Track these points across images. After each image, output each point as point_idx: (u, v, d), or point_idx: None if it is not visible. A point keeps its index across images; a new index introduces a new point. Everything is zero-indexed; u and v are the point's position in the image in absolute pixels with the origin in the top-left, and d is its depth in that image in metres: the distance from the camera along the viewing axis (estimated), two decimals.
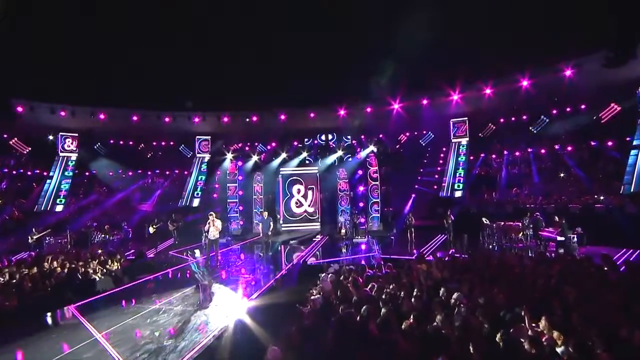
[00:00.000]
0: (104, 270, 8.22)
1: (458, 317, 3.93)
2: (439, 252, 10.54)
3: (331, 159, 16.19)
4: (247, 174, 17.15)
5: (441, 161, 19.35)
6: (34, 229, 12.15)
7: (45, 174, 19.13)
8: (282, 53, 17.80)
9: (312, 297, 4.97)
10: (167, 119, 20.25)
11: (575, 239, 9.45)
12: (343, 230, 14.59)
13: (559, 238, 9.30)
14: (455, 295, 4.46)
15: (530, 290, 4.81)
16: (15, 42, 14.35)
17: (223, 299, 7.28)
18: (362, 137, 16.85)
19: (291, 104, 18.54)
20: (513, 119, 18.32)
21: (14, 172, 19.61)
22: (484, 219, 12.61)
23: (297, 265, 9.29)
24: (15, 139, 19.87)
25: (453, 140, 18.44)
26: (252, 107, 19.09)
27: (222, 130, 21.06)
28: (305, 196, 17.14)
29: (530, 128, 17.74)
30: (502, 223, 11.86)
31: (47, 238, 13.13)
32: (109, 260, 8.88)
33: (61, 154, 19.32)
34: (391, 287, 5.28)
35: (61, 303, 6.94)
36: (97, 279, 7.79)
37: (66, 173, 19.00)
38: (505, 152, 18.25)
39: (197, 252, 13.01)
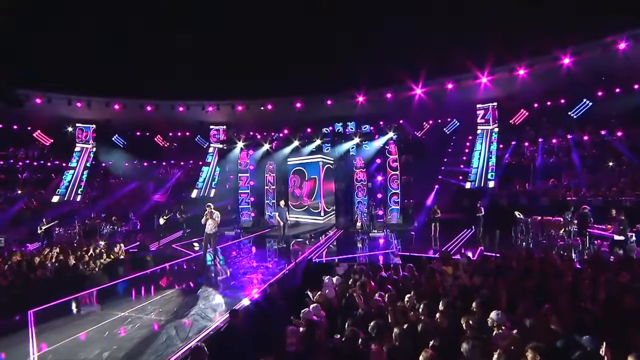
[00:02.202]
0: (98, 264, 7.73)
1: (497, 344, 2.95)
2: (467, 249, 9.44)
3: (347, 146, 15.11)
4: (258, 163, 16.44)
5: (467, 150, 17.91)
6: (44, 220, 12.01)
7: (64, 165, 19.38)
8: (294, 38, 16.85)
9: (305, 312, 4.06)
10: (180, 109, 20.01)
11: (634, 238, 8.00)
12: (359, 224, 13.61)
13: (616, 237, 7.84)
14: (493, 316, 3.41)
15: (594, 307, 3.66)
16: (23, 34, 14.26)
17: (206, 306, 6.16)
18: (381, 123, 15.66)
19: (308, 90, 17.72)
20: (549, 103, 16.52)
21: (35, 163, 20.04)
22: (516, 213, 11.29)
23: (302, 263, 8.42)
24: (39, 131, 20.29)
25: (480, 128, 16.93)
26: (267, 94, 18.45)
27: (236, 119, 20.60)
28: (300, 187, 16.35)
29: (570, 113, 15.92)
30: (539, 217, 10.48)
31: (57, 229, 13.03)
32: (104, 254, 8.39)
33: (82, 146, 19.53)
34: (407, 298, 4.27)
35: (25, 305, 6.03)
36: (89, 273, 7.29)
37: (87, 164, 19.19)
38: (540, 140, 16.53)
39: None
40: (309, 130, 16.57)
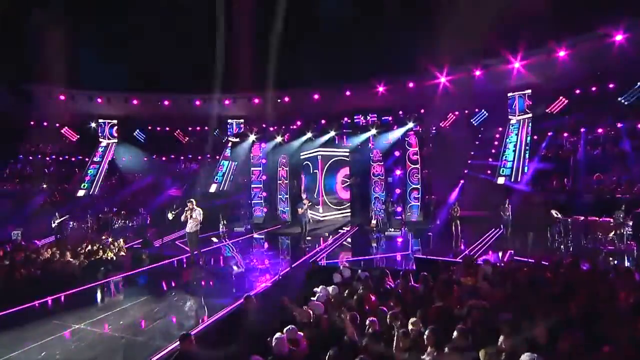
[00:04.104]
0: (91, 260, 7.42)
1: None
2: (493, 252, 8.31)
3: (363, 137, 14.14)
4: (270, 156, 15.85)
5: (496, 142, 16.40)
6: (56, 214, 12.09)
7: (86, 159, 19.86)
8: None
9: (276, 340, 3.27)
10: (197, 102, 19.88)
11: None
12: (374, 221, 12.67)
13: None
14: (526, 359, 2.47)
15: None
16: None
17: (163, 324, 5.30)
18: (400, 113, 14.57)
19: (326, 81, 16.95)
20: (594, 88, 14.64)
21: (60, 158, 20.72)
22: (553, 212, 9.95)
23: (304, 266, 7.67)
24: (66, 127, 20.95)
25: (513, 118, 15.42)
26: (284, 87, 17.89)
27: (253, 113, 20.20)
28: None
29: (620, 99, 14.00)
30: (582, 218, 9.10)
31: (71, 223, 13.12)
32: (101, 251, 8.08)
33: (107, 141, 19.97)
34: (412, 322, 3.38)
35: None
36: (79, 271, 6.96)
37: (110, 159, 19.58)
38: (583, 130, 14.73)
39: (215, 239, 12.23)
40: (323, 121, 15.78)
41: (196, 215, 8.21)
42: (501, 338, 2.92)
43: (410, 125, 13.48)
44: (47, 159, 20.53)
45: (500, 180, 14.50)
